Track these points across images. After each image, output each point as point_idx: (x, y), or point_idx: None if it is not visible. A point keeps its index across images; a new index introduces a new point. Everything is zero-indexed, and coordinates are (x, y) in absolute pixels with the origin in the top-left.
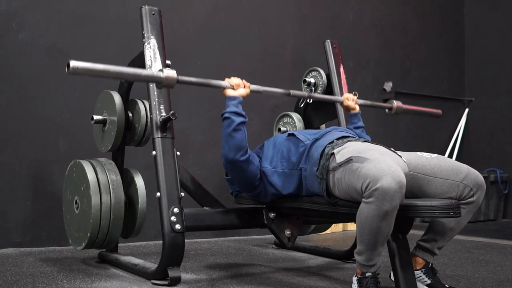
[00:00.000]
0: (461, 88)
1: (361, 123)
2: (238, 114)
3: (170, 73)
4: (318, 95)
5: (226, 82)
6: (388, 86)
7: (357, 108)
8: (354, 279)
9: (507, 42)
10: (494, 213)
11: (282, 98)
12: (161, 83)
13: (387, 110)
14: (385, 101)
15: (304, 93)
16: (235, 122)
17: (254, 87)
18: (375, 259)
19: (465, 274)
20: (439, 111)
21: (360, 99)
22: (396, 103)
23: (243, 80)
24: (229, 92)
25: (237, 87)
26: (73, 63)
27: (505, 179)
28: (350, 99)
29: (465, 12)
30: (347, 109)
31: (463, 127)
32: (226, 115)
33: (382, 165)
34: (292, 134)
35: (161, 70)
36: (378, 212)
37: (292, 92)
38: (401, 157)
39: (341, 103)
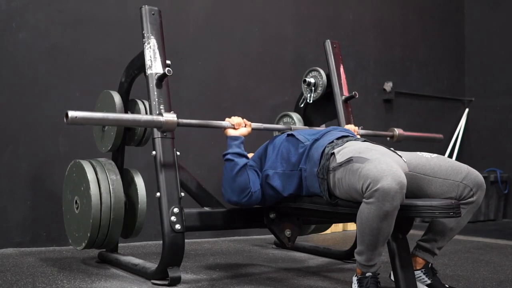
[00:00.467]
0: (461, 88)
1: None
2: (241, 155)
3: (170, 117)
4: (318, 128)
5: (227, 122)
6: (388, 86)
7: None
8: (354, 279)
9: (507, 42)
10: (494, 213)
11: (282, 98)
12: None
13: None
14: (385, 101)
15: (304, 127)
16: (238, 165)
17: (256, 125)
18: (375, 259)
19: (465, 274)
20: (441, 136)
21: (362, 130)
22: (397, 131)
23: (244, 119)
24: (231, 132)
25: (238, 126)
26: (71, 113)
27: (505, 179)
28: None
29: (465, 12)
30: None
31: (463, 127)
32: (229, 156)
33: (383, 166)
34: (291, 135)
35: (160, 114)
36: (379, 213)
37: (294, 127)
38: (401, 157)
39: None
